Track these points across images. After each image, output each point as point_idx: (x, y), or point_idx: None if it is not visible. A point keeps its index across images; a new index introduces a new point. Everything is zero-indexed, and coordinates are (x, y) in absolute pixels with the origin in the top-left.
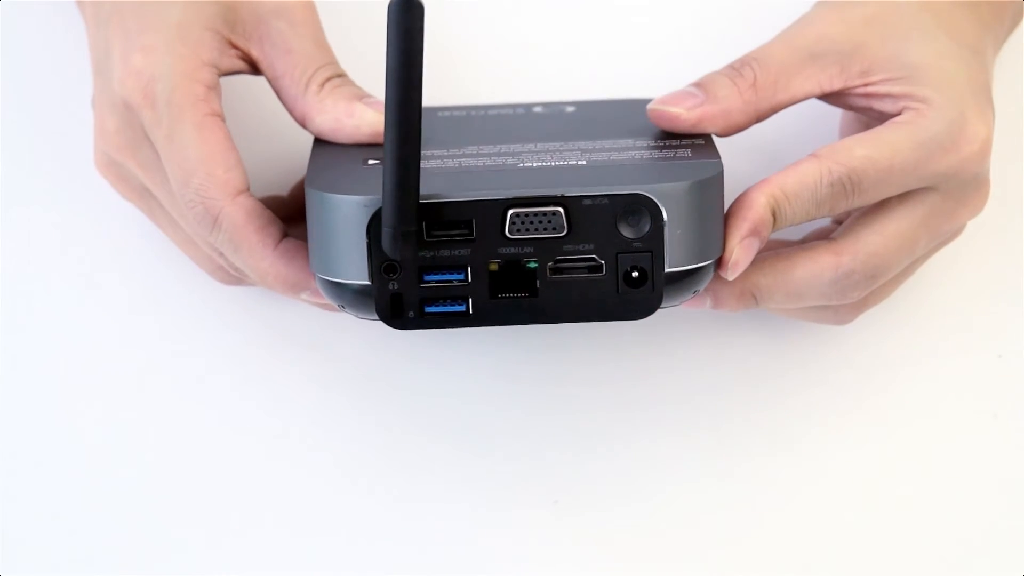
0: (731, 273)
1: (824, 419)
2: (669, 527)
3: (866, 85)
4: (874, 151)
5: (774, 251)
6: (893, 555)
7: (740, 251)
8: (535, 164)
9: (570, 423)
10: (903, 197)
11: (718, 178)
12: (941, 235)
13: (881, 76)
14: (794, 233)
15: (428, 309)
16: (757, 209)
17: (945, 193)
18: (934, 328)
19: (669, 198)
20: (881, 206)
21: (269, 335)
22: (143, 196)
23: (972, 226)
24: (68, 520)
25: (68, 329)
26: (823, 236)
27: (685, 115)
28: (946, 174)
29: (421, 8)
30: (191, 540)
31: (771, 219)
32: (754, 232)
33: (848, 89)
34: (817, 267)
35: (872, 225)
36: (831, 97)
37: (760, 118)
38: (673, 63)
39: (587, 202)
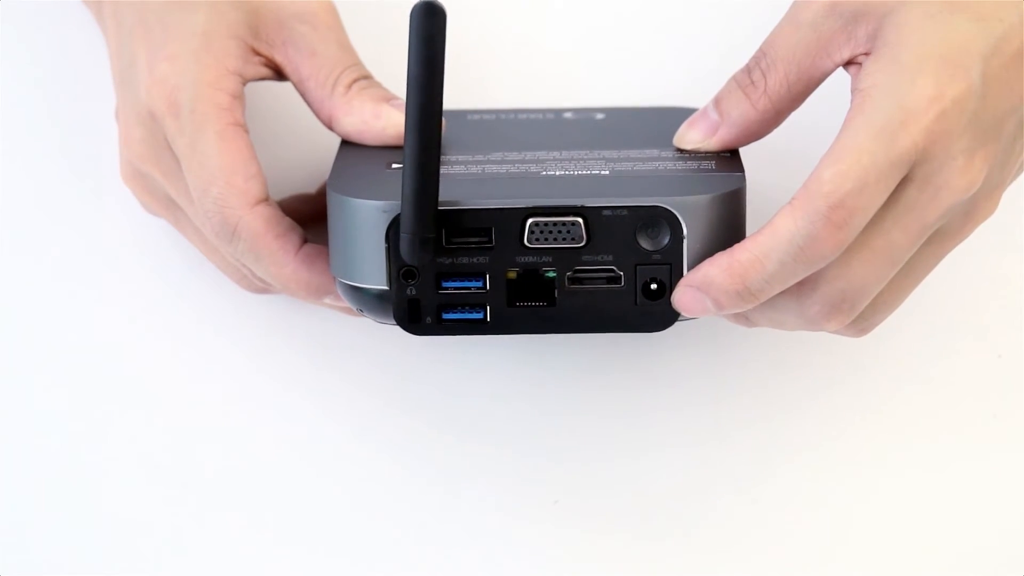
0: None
1: (824, 419)
2: (669, 527)
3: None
4: (840, 164)
5: None
6: (893, 555)
7: (680, 295)
8: (557, 173)
9: (570, 423)
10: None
11: (740, 192)
12: (924, 228)
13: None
14: None
15: (446, 316)
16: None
17: (922, 181)
18: (934, 328)
19: (689, 211)
20: None
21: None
22: (168, 207)
23: None
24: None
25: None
26: None
27: (707, 145)
28: (916, 149)
29: (444, 13)
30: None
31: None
32: (699, 286)
33: (856, 57)
34: (782, 298)
35: None
36: (847, 67)
37: (782, 117)
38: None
39: (607, 213)
